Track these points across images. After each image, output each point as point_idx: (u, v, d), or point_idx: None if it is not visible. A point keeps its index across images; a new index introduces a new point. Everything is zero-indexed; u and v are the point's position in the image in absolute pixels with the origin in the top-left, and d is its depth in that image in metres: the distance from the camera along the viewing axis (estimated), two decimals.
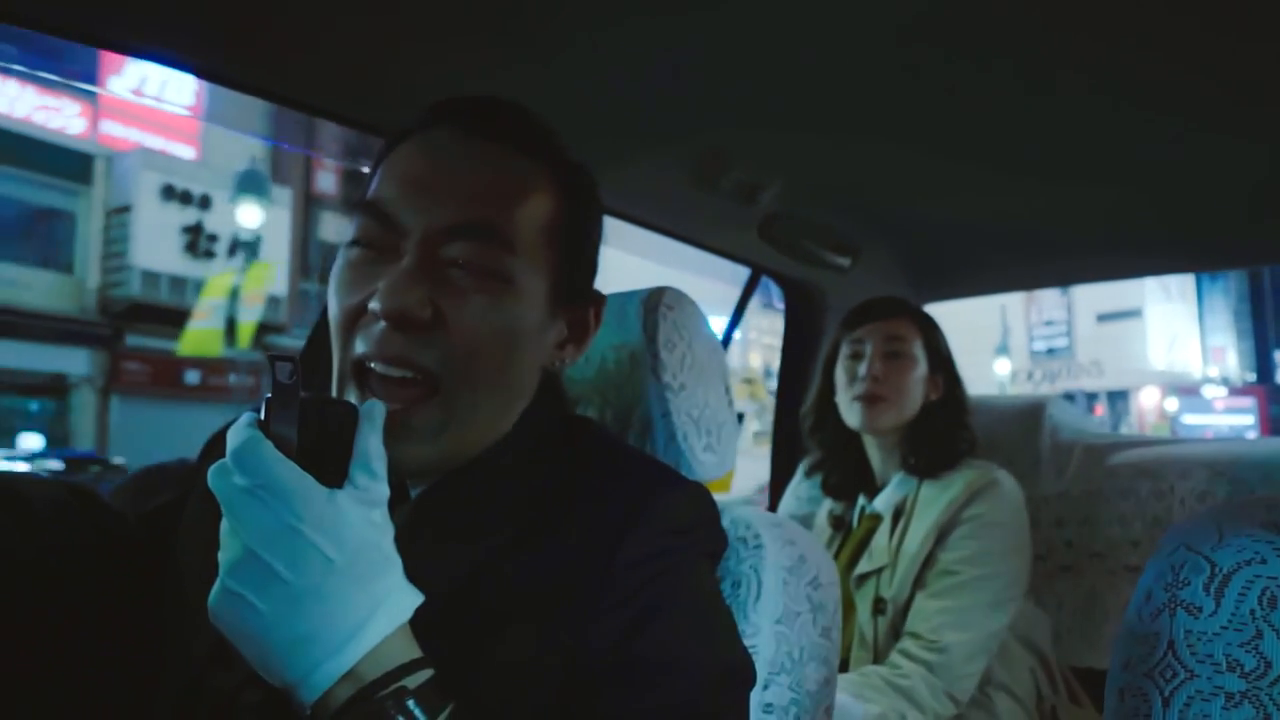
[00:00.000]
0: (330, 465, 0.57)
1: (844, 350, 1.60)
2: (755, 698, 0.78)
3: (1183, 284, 23.42)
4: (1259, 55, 1.03)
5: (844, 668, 1.43)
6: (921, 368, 1.56)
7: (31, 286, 12.19)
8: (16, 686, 0.67)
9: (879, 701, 1.30)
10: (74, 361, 13.19)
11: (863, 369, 1.54)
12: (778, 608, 0.80)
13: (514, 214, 0.68)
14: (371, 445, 0.59)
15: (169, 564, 0.73)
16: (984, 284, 2.16)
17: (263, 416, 0.58)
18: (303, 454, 0.57)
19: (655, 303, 0.91)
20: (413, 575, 0.59)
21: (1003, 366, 22.76)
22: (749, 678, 0.70)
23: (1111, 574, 1.70)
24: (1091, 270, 2.15)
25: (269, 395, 0.58)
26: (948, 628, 1.36)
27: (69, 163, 12.54)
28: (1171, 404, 22.68)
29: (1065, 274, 2.26)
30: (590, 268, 0.77)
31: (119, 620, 0.71)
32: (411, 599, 0.58)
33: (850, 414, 1.57)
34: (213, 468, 0.56)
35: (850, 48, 1.06)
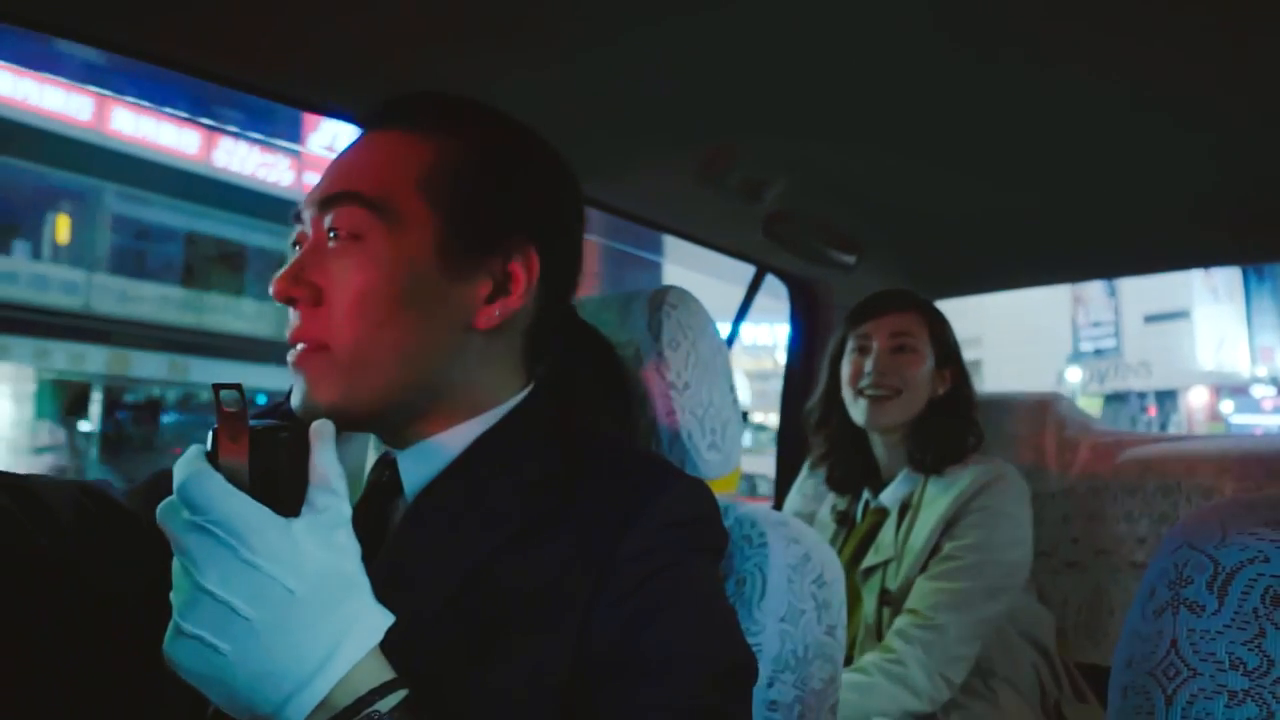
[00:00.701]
0: (285, 493, 0.56)
1: (850, 345, 1.60)
2: (760, 695, 0.78)
3: (1230, 285, 23.32)
4: (1261, 57, 1.03)
5: (850, 659, 1.44)
6: (929, 363, 1.55)
7: (260, 317, 13.83)
8: (35, 691, 0.66)
9: (879, 703, 1.31)
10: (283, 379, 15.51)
11: (869, 364, 1.54)
12: (782, 605, 0.80)
13: (375, 176, 0.71)
14: (327, 463, 0.58)
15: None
16: (990, 281, 2.15)
17: (210, 448, 0.56)
18: (255, 484, 0.55)
19: (659, 301, 0.91)
20: (413, 579, 0.59)
21: (1074, 374, 22.77)
22: (751, 673, 0.70)
23: (1117, 570, 1.70)
24: (1099, 266, 2.14)
25: (215, 426, 0.56)
26: (945, 607, 1.38)
27: (282, 210, 13.57)
28: (1228, 406, 22.63)
29: (1071, 270, 2.25)
30: (503, 215, 0.73)
31: (137, 627, 0.71)
32: (381, 620, 0.57)
33: (855, 410, 1.57)
34: (161, 505, 0.55)
35: (855, 46, 1.06)
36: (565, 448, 0.73)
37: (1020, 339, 22.81)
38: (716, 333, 0.96)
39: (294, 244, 0.74)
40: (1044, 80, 1.13)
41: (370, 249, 0.69)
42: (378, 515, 0.71)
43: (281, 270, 0.70)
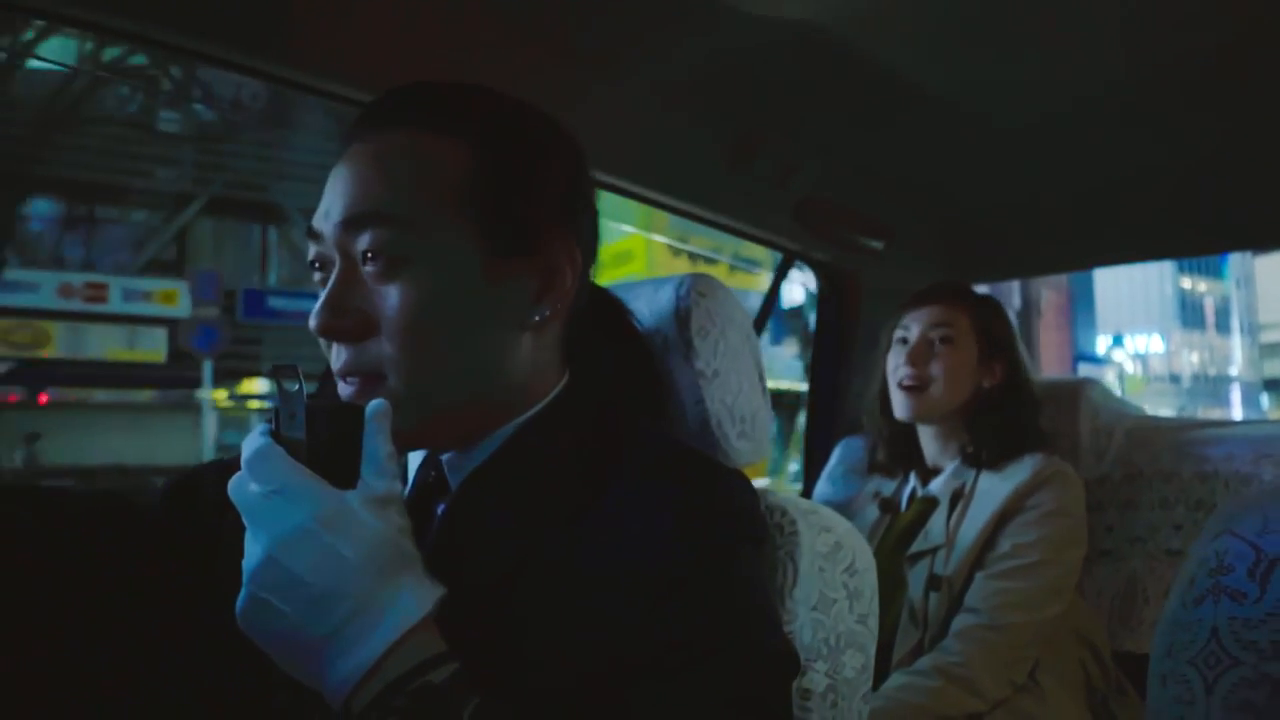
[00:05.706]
0: (340, 467, 0.59)
1: (895, 336, 1.61)
2: (793, 684, 0.78)
3: None
4: None
5: (888, 648, 1.43)
6: (969, 353, 1.54)
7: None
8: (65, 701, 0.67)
9: (942, 706, 1.31)
10: None
11: (905, 355, 1.55)
12: (814, 594, 0.80)
13: (405, 191, 0.66)
14: (379, 445, 0.60)
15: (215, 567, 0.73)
16: (1019, 266, 2.13)
17: (274, 426, 0.60)
18: (313, 458, 0.59)
19: (688, 289, 0.90)
20: (456, 566, 0.60)
21: None
22: (793, 665, 0.69)
23: (1153, 558, 1.67)
24: (1128, 250, 2.11)
25: (277, 404, 0.60)
26: (1011, 608, 1.37)
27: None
28: None
29: (1104, 255, 2.22)
30: (538, 209, 0.70)
31: (162, 627, 0.71)
32: (431, 593, 0.59)
33: (895, 402, 1.57)
34: (232, 478, 0.58)
35: (883, 28, 1.05)
36: (604, 438, 0.72)
37: None
38: (746, 320, 0.95)
39: (313, 264, 0.69)
40: (1075, 60, 1.11)
41: (415, 272, 0.65)
42: (425, 514, 0.71)
43: (320, 302, 0.66)
